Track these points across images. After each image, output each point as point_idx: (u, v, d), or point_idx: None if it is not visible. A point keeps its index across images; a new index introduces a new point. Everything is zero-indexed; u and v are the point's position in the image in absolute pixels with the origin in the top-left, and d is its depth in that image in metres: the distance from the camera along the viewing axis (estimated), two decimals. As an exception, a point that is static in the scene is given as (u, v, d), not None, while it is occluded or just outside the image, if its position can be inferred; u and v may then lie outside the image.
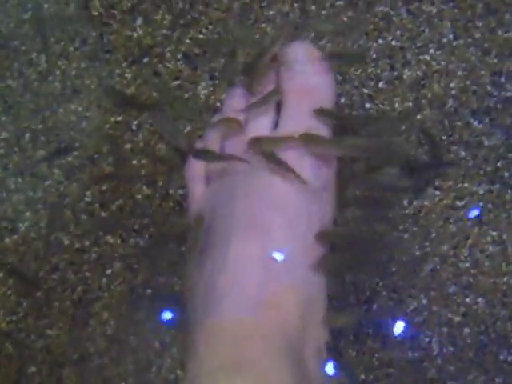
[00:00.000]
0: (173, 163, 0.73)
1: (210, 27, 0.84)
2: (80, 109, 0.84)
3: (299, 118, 0.52)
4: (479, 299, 0.79)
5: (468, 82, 0.82)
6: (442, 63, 0.83)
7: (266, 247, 0.48)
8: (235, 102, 0.56)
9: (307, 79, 0.53)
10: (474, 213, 0.80)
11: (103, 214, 0.82)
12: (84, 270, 0.82)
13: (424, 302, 0.79)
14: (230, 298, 0.47)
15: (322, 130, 0.52)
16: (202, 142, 0.57)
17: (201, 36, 0.84)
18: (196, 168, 0.57)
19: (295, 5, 0.85)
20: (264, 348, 0.45)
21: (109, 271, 0.82)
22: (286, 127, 0.52)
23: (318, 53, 0.54)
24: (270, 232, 0.49)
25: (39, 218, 0.83)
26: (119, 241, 0.82)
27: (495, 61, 0.82)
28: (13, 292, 0.82)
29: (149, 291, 0.81)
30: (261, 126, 0.53)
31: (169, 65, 0.84)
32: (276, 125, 0.54)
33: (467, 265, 0.79)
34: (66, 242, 0.82)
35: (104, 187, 0.82)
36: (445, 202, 0.80)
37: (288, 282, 0.48)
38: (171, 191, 0.82)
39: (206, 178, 0.56)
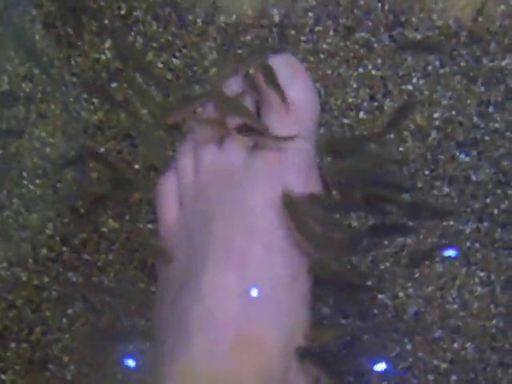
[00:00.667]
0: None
1: (184, 51, 0.80)
2: (44, 134, 0.78)
3: (279, 138, 0.48)
4: (467, 344, 0.74)
5: (453, 113, 0.78)
6: (426, 93, 0.79)
7: (243, 278, 0.44)
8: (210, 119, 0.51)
9: (289, 95, 0.48)
10: (451, 252, 0.76)
11: (64, 248, 0.77)
12: (43, 309, 0.76)
13: (408, 347, 0.74)
14: (204, 334, 0.43)
15: (303, 147, 0.48)
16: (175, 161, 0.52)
17: (174, 60, 0.80)
18: (168, 188, 0.52)
19: (273, 29, 0.80)
20: None
21: (70, 311, 0.76)
22: (264, 149, 0.48)
23: (300, 66, 0.50)
24: (246, 262, 0.44)
25: (-4, 252, 0.77)
26: (81, 278, 0.77)
27: (482, 89, 0.78)
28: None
29: (113, 333, 0.75)
30: (238, 145, 0.49)
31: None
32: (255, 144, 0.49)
33: (455, 307, 0.75)
34: (24, 278, 0.76)
35: (66, 219, 0.77)
36: (429, 240, 0.76)
37: (268, 316, 0.43)
38: (140, 225, 0.77)
39: (178, 199, 0.51)
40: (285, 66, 0.50)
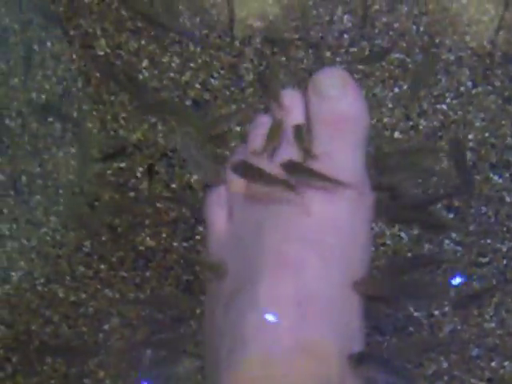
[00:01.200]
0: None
1: (222, 72, 0.81)
2: (81, 152, 0.79)
3: (332, 151, 0.48)
4: (506, 363, 0.74)
5: (487, 134, 0.79)
6: (459, 113, 0.80)
7: (300, 287, 0.43)
8: (261, 131, 0.52)
9: (340, 108, 0.48)
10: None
11: (102, 266, 0.77)
12: (79, 325, 0.76)
13: (444, 365, 0.74)
14: (260, 341, 0.42)
15: (355, 161, 0.48)
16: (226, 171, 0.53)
17: (212, 80, 0.81)
18: (218, 198, 0.52)
19: (310, 51, 0.82)
20: None
21: (106, 326, 0.76)
22: (319, 160, 0.48)
23: (350, 78, 0.50)
24: (303, 271, 0.44)
25: (32, 268, 0.77)
26: (118, 295, 0.77)
27: (517, 110, 0.79)
28: (1, 345, 0.76)
29: (148, 350, 0.75)
30: (290, 156, 0.49)
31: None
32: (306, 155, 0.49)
33: (492, 325, 0.75)
34: (61, 295, 0.77)
35: (104, 237, 0.77)
36: (466, 257, 0.76)
37: (324, 324, 0.43)
38: (175, 243, 0.77)
39: (228, 210, 0.51)
40: (335, 79, 0.50)
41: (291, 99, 0.51)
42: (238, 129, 0.79)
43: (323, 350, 0.42)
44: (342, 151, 0.48)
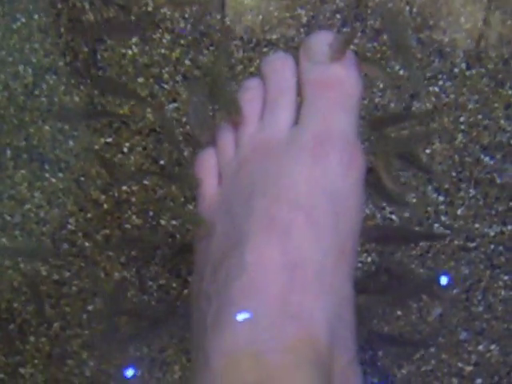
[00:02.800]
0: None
1: (212, 48, 0.79)
2: (67, 127, 0.78)
3: (323, 114, 0.47)
4: (492, 346, 0.74)
5: (479, 116, 0.79)
6: (452, 95, 0.79)
7: (288, 251, 0.43)
8: (250, 94, 0.51)
9: (332, 70, 0.48)
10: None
11: (87, 244, 0.76)
12: (63, 304, 0.75)
13: (432, 349, 0.74)
14: (247, 304, 0.42)
15: (348, 124, 0.47)
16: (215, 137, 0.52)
17: (201, 57, 0.79)
18: (207, 163, 0.51)
19: (301, 30, 0.80)
20: (293, 362, 0.40)
21: (90, 307, 0.75)
22: (309, 124, 0.47)
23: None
24: (291, 234, 0.44)
25: (15, 245, 0.76)
26: (103, 274, 0.76)
27: (510, 92, 0.79)
28: (-19, 325, 0.75)
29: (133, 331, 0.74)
30: (280, 121, 0.48)
31: (166, 86, 0.79)
32: (297, 120, 0.49)
33: (480, 309, 0.74)
34: (44, 273, 0.75)
35: (89, 214, 0.76)
36: (456, 242, 0.76)
37: (312, 288, 0.43)
38: (163, 221, 0.76)
39: (218, 175, 0.50)
40: (327, 42, 0.49)
41: (282, 63, 0.50)
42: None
43: (312, 316, 0.42)
44: (333, 114, 0.47)
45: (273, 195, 0.45)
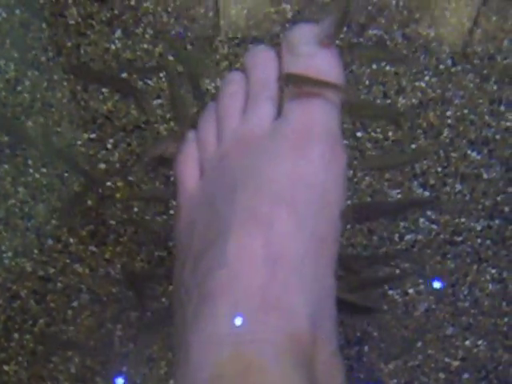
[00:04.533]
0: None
1: (196, 43, 0.79)
2: (50, 123, 0.77)
3: (305, 107, 0.47)
4: (479, 342, 0.73)
5: (465, 111, 0.78)
6: (438, 91, 0.79)
7: (270, 244, 0.43)
8: (233, 88, 0.50)
9: (313, 63, 0.47)
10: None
11: (71, 240, 0.75)
12: (48, 301, 0.74)
13: (419, 344, 0.74)
14: (229, 298, 0.41)
15: (330, 118, 0.47)
16: (196, 130, 0.51)
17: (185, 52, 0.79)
18: (188, 156, 0.51)
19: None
20: (273, 354, 0.39)
21: (75, 303, 0.74)
22: (291, 116, 0.47)
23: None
24: (273, 226, 0.43)
25: (-1, 241, 0.75)
26: (88, 270, 0.75)
27: (494, 88, 0.78)
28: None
29: (119, 326, 0.73)
30: (262, 114, 0.48)
31: (149, 82, 0.78)
32: (279, 113, 0.48)
33: (466, 304, 0.74)
34: (29, 269, 0.75)
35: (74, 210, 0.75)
36: (442, 236, 0.75)
37: (294, 281, 0.42)
38: (148, 217, 0.76)
39: (200, 168, 0.50)
40: (309, 35, 0.49)
41: (264, 56, 0.50)
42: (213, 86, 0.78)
43: (293, 308, 0.41)
44: (315, 107, 0.47)
45: (254, 188, 0.45)
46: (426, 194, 0.76)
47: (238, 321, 0.41)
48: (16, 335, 0.73)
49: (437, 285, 0.75)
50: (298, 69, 0.48)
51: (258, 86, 0.50)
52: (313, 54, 0.48)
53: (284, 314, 0.41)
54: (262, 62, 0.50)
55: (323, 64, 0.48)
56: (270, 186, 0.45)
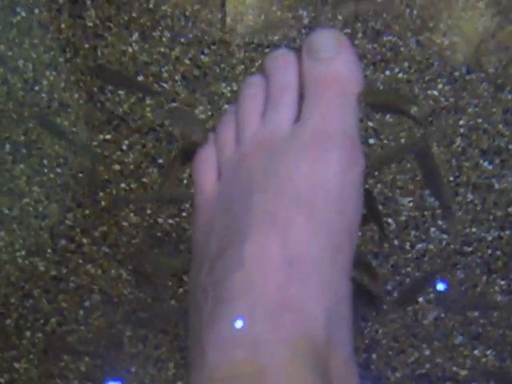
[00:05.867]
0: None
1: (213, 47, 0.79)
2: (66, 123, 0.78)
3: (324, 111, 0.47)
4: (488, 352, 0.74)
5: (479, 120, 0.79)
6: (451, 99, 0.79)
7: (288, 245, 0.43)
8: (253, 91, 0.51)
9: (333, 68, 0.48)
10: (441, 286, 0.75)
11: (84, 240, 0.76)
12: (60, 300, 0.75)
13: (427, 352, 0.74)
14: (245, 299, 0.42)
15: (348, 122, 0.47)
16: (215, 132, 0.52)
17: (202, 57, 0.79)
18: (207, 158, 0.51)
19: (302, 31, 0.80)
20: (288, 356, 0.40)
21: (87, 303, 0.75)
22: (311, 120, 0.47)
23: (344, 39, 0.49)
24: (290, 229, 0.44)
25: (13, 239, 0.76)
26: (100, 271, 0.76)
27: (509, 97, 0.79)
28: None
29: (128, 327, 0.74)
30: (282, 118, 0.48)
31: (165, 85, 0.79)
32: (299, 117, 0.49)
33: (475, 314, 0.74)
34: (42, 269, 0.75)
35: (87, 211, 0.76)
36: (452, 246, 0.76)
37: (312, 284, 0.43)
38: (160, 220, 0.76)
39: (218, 171, 0.51)
40: (330, 39, 0.49)
41: (285, 60, 0.50)
42: (229, 90, 0.78)
43: (309, 310, 0.42)
44: (334, 111, 0.47)
45: (272, 191, 0.45)
46: (438, 202, 0.77)
47: (255, 322, 0.41)
48: (28, 333, 0.74)
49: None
50: (318, 73, 0.48)
51: (277, 90, 0.50)
52: (333, 59, 0.48)
53: (300, 316, 0.42)
54: (283, 65, 0.50)
55: (343, 68, 0.48)
56: (287, 189, 0.45)
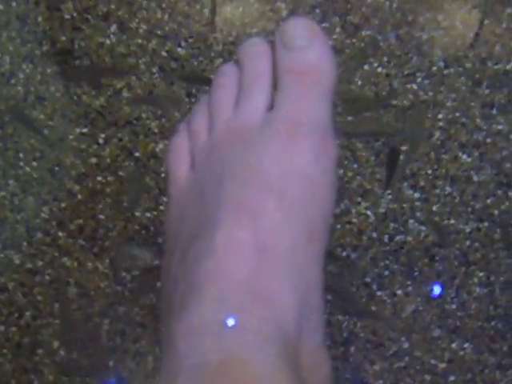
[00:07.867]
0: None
1: (190, 40, 0.79)
2: (42, 116, 0.77)
3: (297, 99, 0.47)
4: (466, 344, 0.73)
5: (457, 114, 0.79)
6: (430, 93, 0.79)
7: (259, 233, 0.43)
8: (225, 79, 0.50)
9: (306, 57, 0.47)
10: (437, 290, 0.75)
11: (60, 233, 0.75)
12: (35, 293, 0.74)
13: (405, 345, 0.74)
14: (215, 286, 0.41)
15: (321, 111, 0.47)
16: (188, 121, 0.51)
17: (179, 49, 0.79)
18: (180, 147, 0.51)
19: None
20: (257, 345, 0.39)
21: (62, 296, 0.74)
22: (283, 108, 0.47)
23: (318, 29, 0.49)
24: (262, 217, 0.43)
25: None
26: (76, 264, 0.75)
27: (486, 92, 0.79)
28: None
29: (106, 321, 0.73)
30: (254, 106, 0.48)
31: (142, 77, 0.78)
32: (271, 106, 0.48)
33: (453, 307, 0.74)
34: (17, 262, 0.75)
35: (63, 204, 0.75)
36: (430, 238, 0.76)
37: (283, 272, 0.42)
38: (137, 213, 0.76)
39: (191, 159, 0.50)
40: (303, 28, 0.49)
41: (258, 48, 0.50)
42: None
43: (280, 299, 0.42)
44: (307, 100, 0.47)
45: (244, 178, 0.45)
46: (417, 195, 0.76)
47: (224, 310, 0.41)
48: (1, 327, 0.73)
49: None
50: (290, 62, 0.48)
51: (250, 78, 0.50)
52: (306, 48, 0.48)
53: (270, 304, 0.41)
54: (256, 54, 0.50)
55: (316, 57, 0.48)
56: (258, 177, 0.45)
